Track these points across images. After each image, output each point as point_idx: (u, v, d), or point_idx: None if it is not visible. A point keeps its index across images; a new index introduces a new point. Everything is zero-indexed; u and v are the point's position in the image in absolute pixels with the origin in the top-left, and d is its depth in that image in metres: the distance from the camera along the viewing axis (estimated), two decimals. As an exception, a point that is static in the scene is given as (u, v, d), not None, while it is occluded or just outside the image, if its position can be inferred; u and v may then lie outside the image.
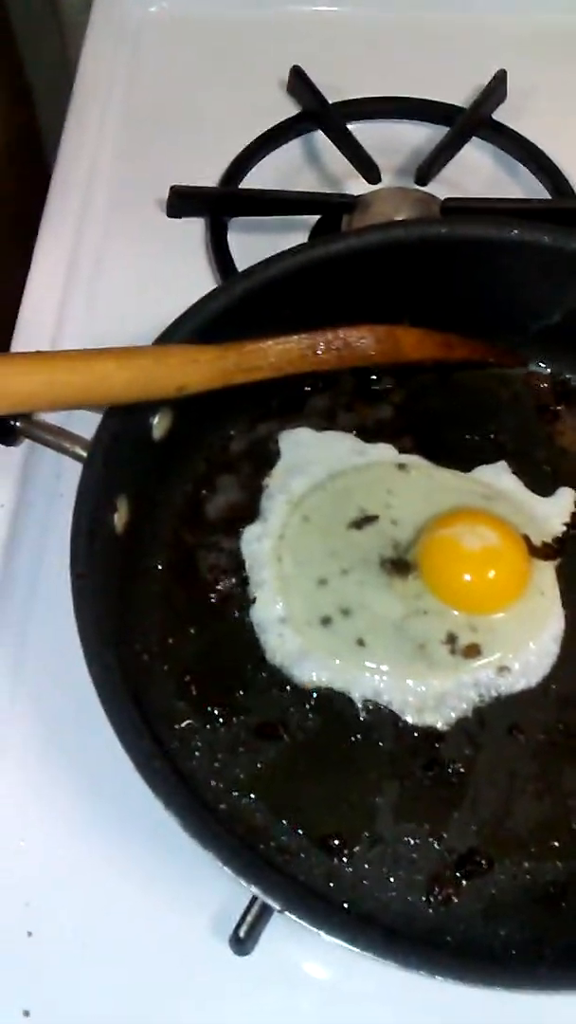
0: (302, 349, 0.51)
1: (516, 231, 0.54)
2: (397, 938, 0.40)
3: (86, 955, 0.47)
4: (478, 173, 0.77)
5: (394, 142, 0.78)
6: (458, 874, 0.46)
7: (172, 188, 0.72)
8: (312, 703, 0.51)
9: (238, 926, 0.45)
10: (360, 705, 0.51)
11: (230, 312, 0.53)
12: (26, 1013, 0.45)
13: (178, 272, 0.70)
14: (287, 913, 0.39)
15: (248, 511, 0.57)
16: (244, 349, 0.50)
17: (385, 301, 0.56)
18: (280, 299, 0.54)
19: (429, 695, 0.51)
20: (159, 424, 0.52)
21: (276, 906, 0.39)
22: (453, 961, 0.39)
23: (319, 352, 0.52)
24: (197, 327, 0.51)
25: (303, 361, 0.52)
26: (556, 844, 0.47)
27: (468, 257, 0.56)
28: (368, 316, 0.56)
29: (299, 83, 0.79)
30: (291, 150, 0.79)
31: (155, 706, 0.50)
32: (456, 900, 0.46)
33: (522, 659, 0.52)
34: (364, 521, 0.56)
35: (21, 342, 0.66)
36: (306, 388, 0.60)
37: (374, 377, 0.60)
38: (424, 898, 0.46)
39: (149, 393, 0.48)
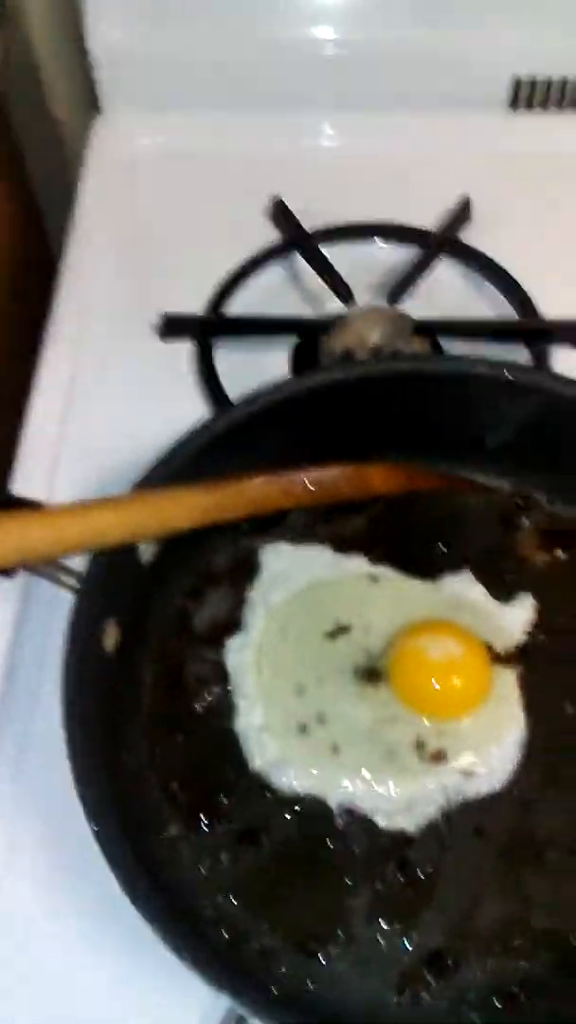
0: (279, 488, 0.56)
1: (472, 367, 0.59)
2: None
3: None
4: (448, 291, 0.83)
5: (370, 263, 0.84)
6: (427, 973, 0.49)
7: (163, 316, 0.78)
8: (291, 809, 0.54)
9: (220, 1032, 0.48)
10: (336, 811, 0.54)
11: (212, 446, 0.58)
12: None
13: (170, 389, 0.75)
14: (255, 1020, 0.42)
15: (232, 623, 0.61)
16: (226, 491, 0.55)
17: (355, 428, 0.61)
18: (259, 432, 0.59)
19: (400, 800, 0.54)
20: (147, 549, 0.57)
21: (245, 1012, 0.42)
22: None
23: (295, 491, 0.56)
24: (182, 462, 0.56)
25: (280, 499, 0.57)
26: (518, 943, 0.50)
27: (428, 388, 0.61)
28: (340, 442, 0.61)
29: (279, 213, 0.85)
30: (274, 273, 0.85)
31: (143, 814, 0.54)
32: (425, 997, 0.49)
33: (487, 764, 0.55)
34: (338, 631, 0.60)
35: (25, 457, 0.71)
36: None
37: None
38: (395, 997, 0.49)
39: (141, 536, 0.53)
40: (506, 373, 0.58)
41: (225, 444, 0.58)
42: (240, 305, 0.81)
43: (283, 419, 0.59)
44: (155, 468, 0.56)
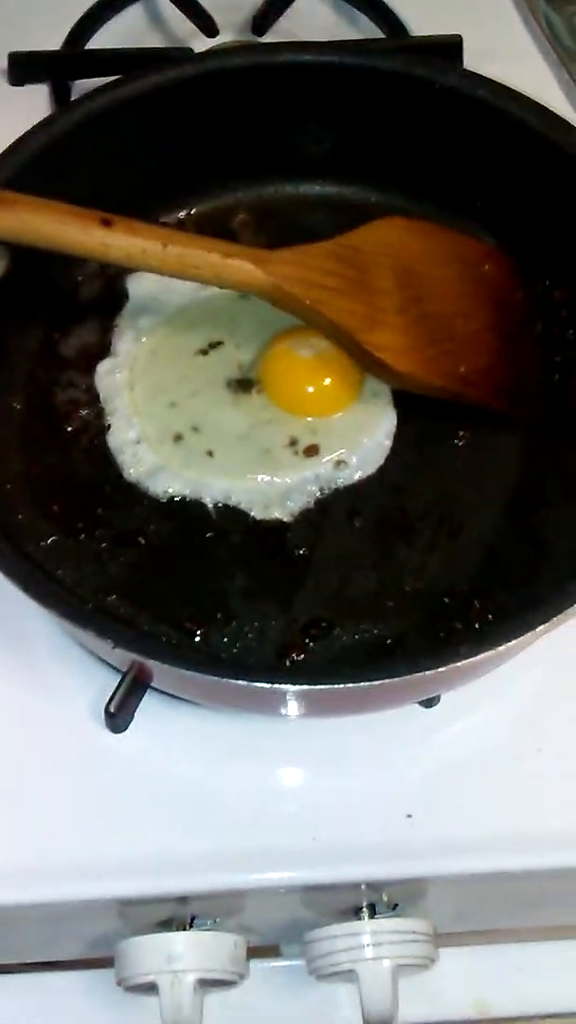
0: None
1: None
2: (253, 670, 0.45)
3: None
4: (317, 22, 0.79)
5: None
6: (305, 639, 0.51)
7: (10, 54, 0.73)
8: (168, 511, 0.55)
9: (109, 701, 0.50)
10: (212, 508, 0.55)
11: (48, 154, 0.55)
12: None
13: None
14: (151, 661, 0.43)
15: (100, 349, 0.60)
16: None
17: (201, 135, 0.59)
18: (95, 141, 0.56)
19: (274, 492, 0.55)
20: (-3, 264, 0.55)
21: (137, 655, 0.43)
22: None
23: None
24: (21, 163, 0.53)
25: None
26: (390, 604, 0.52)
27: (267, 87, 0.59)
28: (200, 148, 0.59)
29: (133, -56, 0.79)
30: (133, 15, 0.80)
31: (21, 528, 0.54)
32: (304, 659, 0.51)
33: (358, 454, 0.56)
34: (210, 348, 0.59)
35: None
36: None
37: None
38: (276, 661, 0.51)
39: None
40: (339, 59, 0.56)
41: (69, 149, 0.55)
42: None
43: (134, 120, 0.57)
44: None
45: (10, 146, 0.54)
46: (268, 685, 0.41)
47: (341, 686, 0.41)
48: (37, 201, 0.50)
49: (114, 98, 0.56)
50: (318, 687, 0.41)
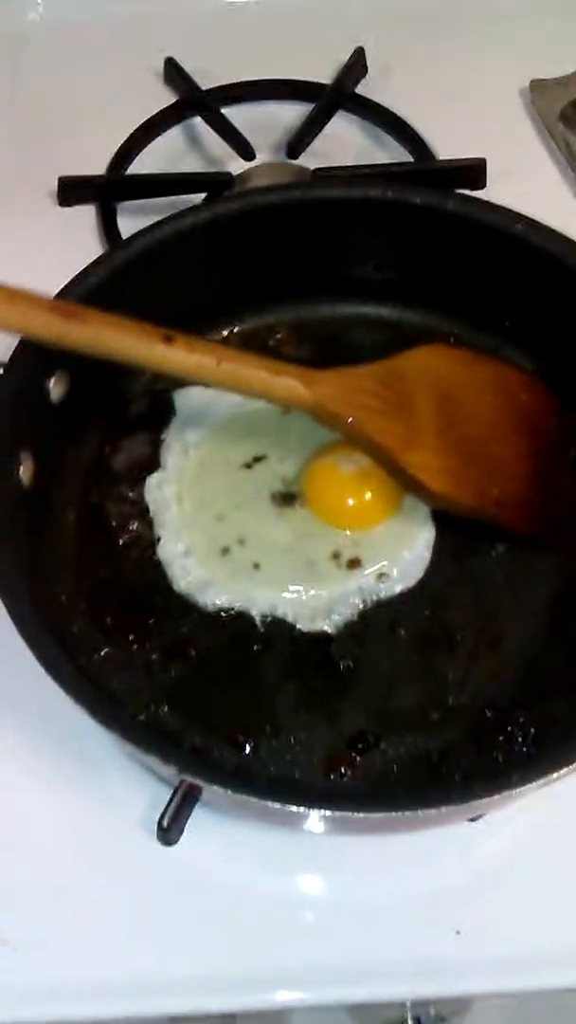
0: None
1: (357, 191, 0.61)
2: (301, 789, 0.46)
3: (21, 857, 0.52)
4: (347, 144, 0.83)
5: (268, 122, 0.84)
6: (352, 752, 0.52)
7: (60, 178, 0.77)
8: (216, 623, 0.56)
9: (162, 815, 0.51)
10: (259, 620, 0.57)
11: (112, 282, 0.58)
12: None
13: (73, 259, 0.75)
14: (199, 780, 0.44)
15: (150, 463, 0.62)
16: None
17: (263, 264, 0.63)
18: (160, 268, 0.60)
19: (319, 604, 0.57)
20: (56, 387, 0.58)
21: (192, 778, 0.44)
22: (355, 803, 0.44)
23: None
24: (82, 294, 0.57)
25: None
26: (435, 717, 0.53)
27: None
28: (244, 275, 0.63)
29: (173, 73, 0.84)
30: (173, 138, 0.84)
31: (76, 640, 0.56)
32: (352, 774, 0.52)
33: (400, 566, 0.58)
34: (255, 461, 0.62)
35: None
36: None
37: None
38: (324, 776, 0.52)
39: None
40: (388, 193, 0.60)
41: (125, 280, 0.59)
42: (141, 171, 0.81)
43: (185, 252, 0.60)
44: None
45: (72, 280, 0.58)
46: (319, 811, 0.42)
47: (393, 813, 0.42)
48: (109, 317, 0.54)
49: (165, 234, 0.59)
50: (372, 814, 0.43)
